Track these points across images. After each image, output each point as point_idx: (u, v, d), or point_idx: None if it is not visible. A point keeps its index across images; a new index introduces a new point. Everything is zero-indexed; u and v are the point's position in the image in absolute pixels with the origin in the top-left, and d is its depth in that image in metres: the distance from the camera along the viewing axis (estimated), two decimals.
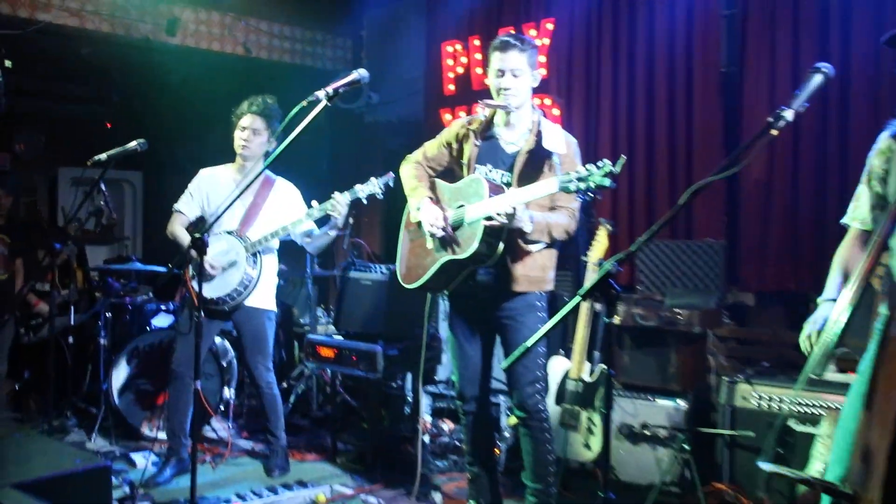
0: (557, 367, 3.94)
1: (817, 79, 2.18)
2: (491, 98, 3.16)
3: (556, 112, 5.24)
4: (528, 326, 3.13)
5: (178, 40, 6.37)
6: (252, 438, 4.88)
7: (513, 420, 3.48)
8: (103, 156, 3.88)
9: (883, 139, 2.37)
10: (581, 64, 5.29)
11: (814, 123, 4.13)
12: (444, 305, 4.34)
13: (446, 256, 3.10)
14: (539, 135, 3.11)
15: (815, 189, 4.18)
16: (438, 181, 3.37)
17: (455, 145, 3.35)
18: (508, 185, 3.11)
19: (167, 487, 3.94)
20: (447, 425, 4.60)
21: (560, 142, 3.05)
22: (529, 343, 2.12)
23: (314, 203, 3.90)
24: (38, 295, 5.60)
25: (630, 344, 4.10)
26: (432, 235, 3.14)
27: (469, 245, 2.99)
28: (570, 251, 4.56)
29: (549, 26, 5.41)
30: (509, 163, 3.16)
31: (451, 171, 3.41)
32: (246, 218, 4.04)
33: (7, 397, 5.21)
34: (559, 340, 4.24)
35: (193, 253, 2.97)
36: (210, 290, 3.92)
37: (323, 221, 3.96)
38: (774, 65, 4.34)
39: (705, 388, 4.09)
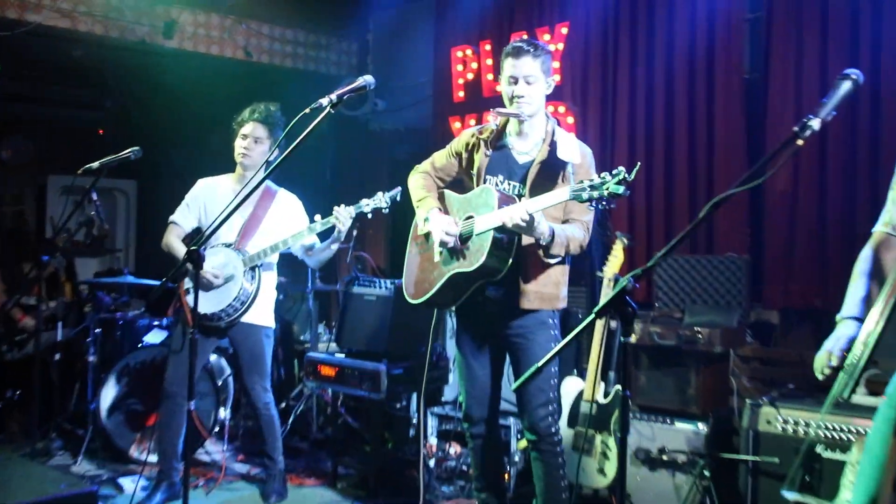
0: (571, 387, 3.94)
1: (846, 86, 2.18)
2: (503, 106, 3.18)
3: (570, 120, 5.26)
4: (539, 345, 3.13)
5: (175, 43, 6.42)
6: (248, 462, 4.88)
7: (523, 444, 3.49)
8: (95, 164, 3.91)
9: None
10: (597, 70, 5.32)
11: (842, 133, 4.14)
12: (451, 322, 4.35)
13: (454, 269, 3.11)
14: (553, 144, 3.12)
15: (844, 201, 4.17)
16: (447, 192, 3.39)
17: (465, 155, 3.37)
18: (521, 196, 3.12)
19: None
20: (454, 449, 4.59)
21: (574, 151, 3.06)
22: (541, 363, 2.12)
23: (317, 217, 3.93)
24: (23, 309, 5.62)
25: (647, 364, 4.09)
26: (442, 246, 3.15)
27: (477, 258, 3.01)
28: (584, 266, 4.57)
29: (564, 30, 5.44)
30: (522, 174, 3.18)
31: (461, 182, 3.43)
32: (245, 230, 4.06)
33: None
34: (572, 360, 4.23)
35: (189, 266, 2.99)
36: (206, 306, 3.94)
37: (325, 234, 3.98)
38: (801, 71, 4.35)
39: (727, 412, 4.07)
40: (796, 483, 3.38)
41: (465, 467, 4.43)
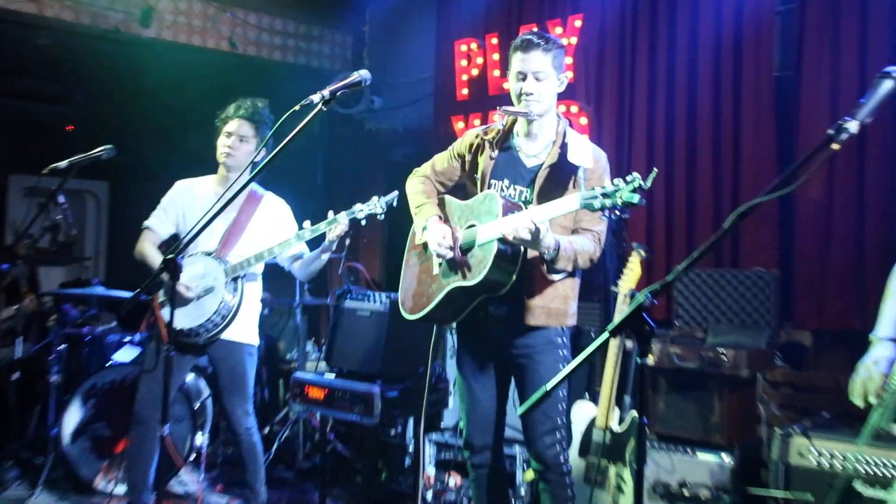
0: (582, 413, 3.94)
1: (887, 85, 2.18)
2: (510, 104, 3.20)
3: (583, 121, 5.28)
4: (547, 366, 3.13)
5: (152, 32, 6.45)
6: (227, 492, 4.87)
7: (529, 475, 3.48)
8: (63, 163, 3.92)
9: None
10: (613, 66, 5.34)
11: (883, 136, 4.15)
12: (451, 340, 4.35)
13: (454, 283, 3.12)
14: (564, 147, 3.13)
15: (884, 211, 4.19)
16: (448, 198, 3.40)
17: (468, 157, 3.38)
18: (528, 203, 3.13)
19: None
20: (454, 480, 4.58)
21: (587, 155, 3.07)
22: (549, 386, 2.12)
23: (306, 224, 3.93)
24: None
25: (666, 388, 4.09)
26: (440, 257, 3.16)
27: (479, 270, 3.01)
28: (597, 280, 4.57)
29: (578, 23, 5.47)
30: (529, 178, 3.19)
31: (464, 187, 3.44)
32: (227, 237, 4.06)
33: None
34: (584, 383, 4.23)
35: (165, 276, 2.99)
36: (183, 320, 3.93)
37: (315, 243, 3.98)
38: (837, 68, 4.37)
39: (754, 442, 4.07)
40: None
41: (465, 500, 4.42)
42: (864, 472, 3.42)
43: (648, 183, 2.56)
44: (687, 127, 4.95)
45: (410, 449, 4.61)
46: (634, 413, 3.82)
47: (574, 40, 5.44)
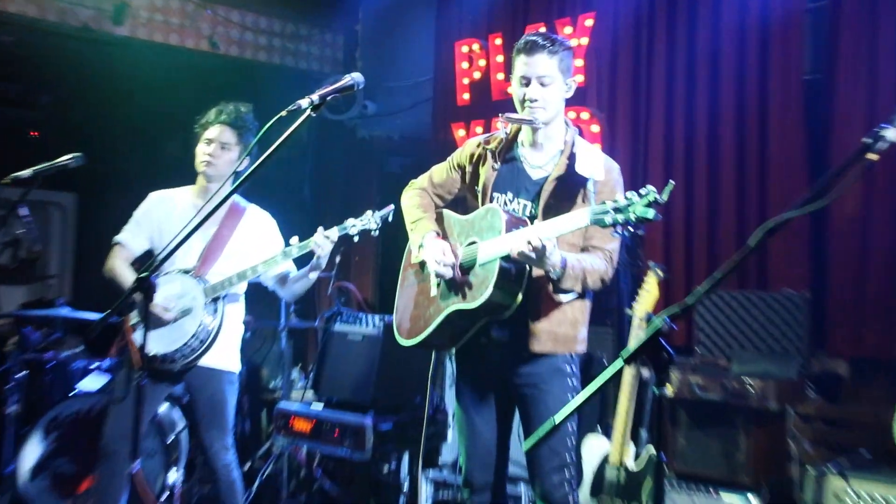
0: (594, 449, 3.92)
1: None
2: (514, 111, 3.20)
3: (595, 129, 5.29)
4: (554, 397, 3.12)
5: (126, 30, 6.48)
6: None
7: None
8: (26, 172, 3.92)
9: None
10: (627, 69, 5.36)
11: None
12: (451, 368, 4.34)
13: (453, 305, 3.11)
14: (572, 157, 3.14)
15: None
16: (447, 212, 3.41)
17: (469, 168, 3.38)
18: (533, 218, 3.13)
19: None
20: None
21: (597, 166, 3.07)
22: (557, 419, 2.11)
23: (294, 240, 3.93)
24: None
25: (687, 422, 4.07)
26: (438, 277, 3.15)
27: (481, 291, 3.01)
28: (610, 303, 4.57)
29: (589, 22, 5.49)
30: (534, 191, 3.19)
31: (464, 201, 3.44)
32: (207, 254, 4.06)
33: None
34: (596, 415, 4.22)
35: (138, 297, 2.99)
36: (157, 345, 3.92)
37: (303, 261, 3.98)
38: (874, 71, 4.38)
39: (785, 482, 4.05)
40: None
41: None
42: None
43: (665, 196, 2.56)
44: (708, 135, 4.96)
45: (405, 488, 4.59)
46: (651, 449, 3.80)
47: (585, 41, 5.46)
